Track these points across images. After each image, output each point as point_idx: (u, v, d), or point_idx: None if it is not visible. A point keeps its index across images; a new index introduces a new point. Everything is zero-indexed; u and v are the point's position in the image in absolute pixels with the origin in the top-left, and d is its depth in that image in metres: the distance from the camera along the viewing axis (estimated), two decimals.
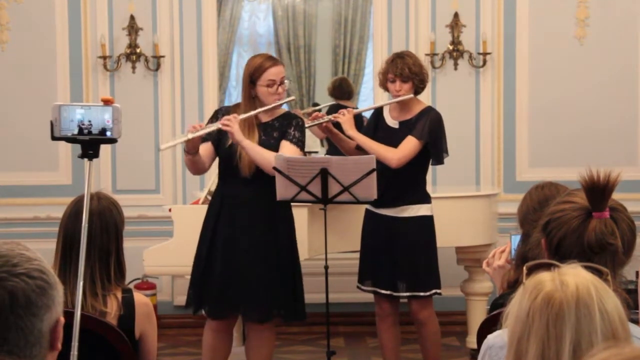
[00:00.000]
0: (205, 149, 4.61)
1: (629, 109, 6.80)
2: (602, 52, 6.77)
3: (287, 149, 4.59)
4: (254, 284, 4.55)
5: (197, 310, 4.69)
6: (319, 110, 6.22)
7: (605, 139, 6.75)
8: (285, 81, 4.63)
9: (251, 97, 4.60)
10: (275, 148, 4.59)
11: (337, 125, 5.05)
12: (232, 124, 4.46)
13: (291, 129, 4.63)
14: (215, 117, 4.69)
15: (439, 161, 5.05)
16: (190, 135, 4.43)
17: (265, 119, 4.64)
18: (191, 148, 4.50)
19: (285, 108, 4.82)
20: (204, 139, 4.59)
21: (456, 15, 6.75)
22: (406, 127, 5.00)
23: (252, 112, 4.57)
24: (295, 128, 4.64)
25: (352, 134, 4.98)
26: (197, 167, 4.65)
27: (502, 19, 6.77)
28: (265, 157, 4.52)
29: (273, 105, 4.60)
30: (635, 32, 6.79)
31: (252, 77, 4.58)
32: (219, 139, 4.63)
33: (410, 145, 4.94)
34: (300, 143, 4.64)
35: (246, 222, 4.58)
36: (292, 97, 4.91)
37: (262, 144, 4.57)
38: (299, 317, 4.74)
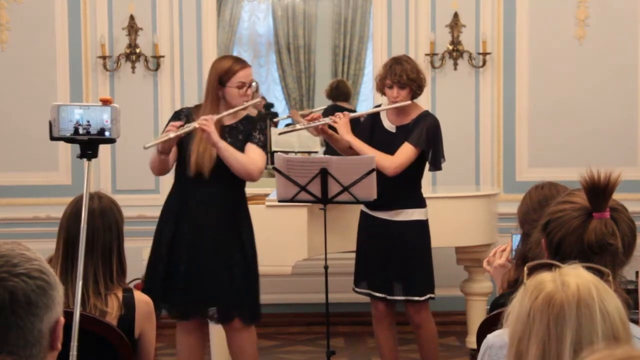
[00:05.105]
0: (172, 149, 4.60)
1: (629, 109, 6.80)
2: (602, 52, 6.77)
3: (253, 151, 4.59)
4: (218, 285, 4.53)
5: (161, 312, 4.65)
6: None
7: (605, 139, 6.75)
8: (253, 83, 4.68)
9: (218, 99, 4.60)
10: (241, 150, 4.58)
11: (333, 127, 5.05)
12: (210, 124, 4.45)
13: (255, 132, 4.63)
14: (177, 118, 4.65)
15: (437, 167, 5.03)
16: (172, 134, 4.41)
17: (229, 121, 4.63)
18: (167, 148, 4.48)
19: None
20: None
21: (456, 15, 6.75)
22: (403, 132, 4.99)
23: (227, 112, 4.56)
24: (260, 132, 4.65)
25: (349, 139, 4.97)
26: (163, 168, 4.63)
27: (502, 19, 6.77)
28: (239, 160, 4.51)
29: (245, 105, 4.60)
30: (635, 32, 6.79)
31: (221, 79, 4.58)
32: (181, 141, 4.59)
33: (407, 152, 4.93)
34: (264, 146, 4.66)
35: (208, 223, 4.55)
36: (259, 99, 4.92)
37: None
38: (257, 318, 4.71)
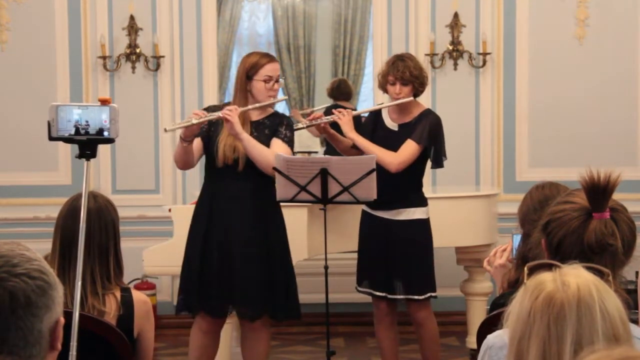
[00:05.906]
0: (196, 143, 4.60)
1: (629, 109, 6.80)
2: (601, 52, 6.77)
3: (279, 146, 4.60)
4: (247, 281, 4.54)
5: (197, 311, 4.69)
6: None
7: (605, 139, 6.75)
8: (280, 79, 4.68)
9: (246, 93, 4.61)
10: (266, 145, 4.59)
11: (335, 125, 5.04)
12: (233, 114, 4.47)
13: (282, 128, 4.65)
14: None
15: (439, 165, 5.03)
16: (194, 121, 4.43)
17: (255, 117, 4.65)
18: (189, 135, 4.48)
19: (276, 108, 4.83)
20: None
21: (456, 15, 6.75)
22: (405, 130, 4.99)
23: (253, 106, 4.59)
24: (286, 128, 4.66)
25: (352, 137, 4.97)
26: (186, 159, 4.61)
27: (502, 19, 6.77)
28: (261, 153, 4.52)
29: (272, 101, 4.64)
30: (635, 32, 6.79)
31: (248, 73, 4.61)
32: (208, 136, 4.63)
33: (410, 149, 4.93)
34: (291, 142, 4.67)
35: (238, 218, 4.56)
36: (286, 97, 4.93)
37: None
38: (292, 315, 4.72)
